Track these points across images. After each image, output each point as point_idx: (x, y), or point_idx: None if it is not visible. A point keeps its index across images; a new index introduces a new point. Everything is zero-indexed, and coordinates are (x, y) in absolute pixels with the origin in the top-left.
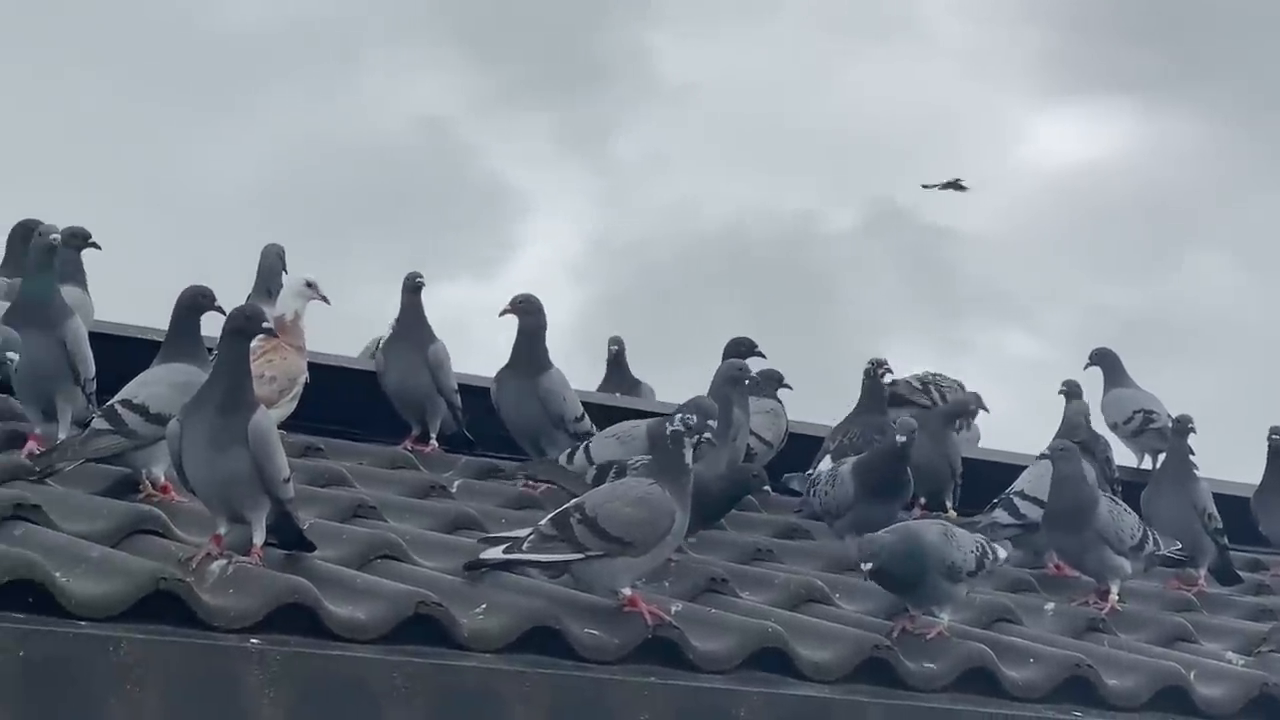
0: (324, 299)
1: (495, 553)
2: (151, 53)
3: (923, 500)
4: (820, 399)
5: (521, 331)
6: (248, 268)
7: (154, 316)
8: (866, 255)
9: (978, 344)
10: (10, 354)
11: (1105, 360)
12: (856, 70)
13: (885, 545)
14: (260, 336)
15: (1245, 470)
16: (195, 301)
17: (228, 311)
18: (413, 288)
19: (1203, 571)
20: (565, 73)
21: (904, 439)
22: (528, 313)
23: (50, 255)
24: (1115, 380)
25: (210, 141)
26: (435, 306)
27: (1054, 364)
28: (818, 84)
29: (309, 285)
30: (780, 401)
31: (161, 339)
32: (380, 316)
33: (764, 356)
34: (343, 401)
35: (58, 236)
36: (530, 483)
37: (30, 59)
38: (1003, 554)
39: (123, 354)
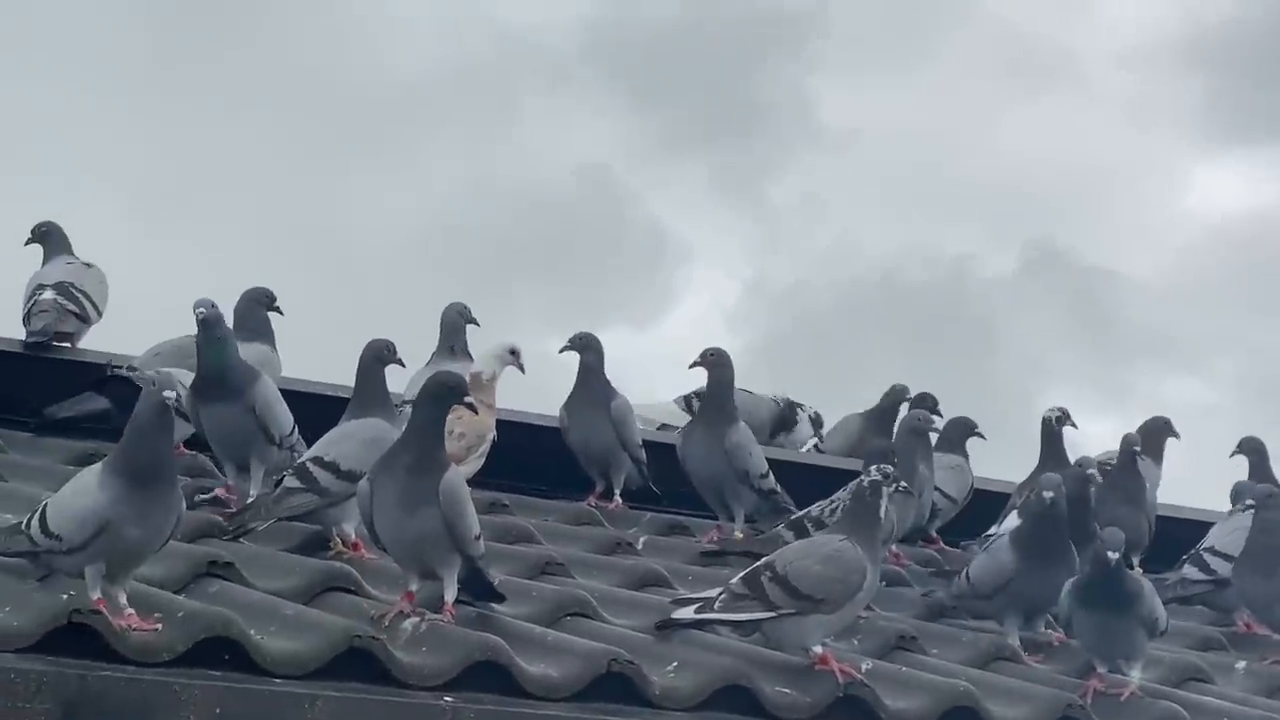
0: (521, 368)
1: (687, 612)
2: (313, 101)
3: None
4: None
5: (711, 384)
6: (412, 314)
7: (324, 367)
8: (1025, 298)
9: (1140, 388)
10: (168, 393)
11: (1252, 449)
12: (1015, 118)
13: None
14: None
15: None
16: (380, 355)
17: (404, 364)
18: (585, 347)
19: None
20: (723, 118)
21: (1050, 495)
22: (718, 365)
23: (213, 329)
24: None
25: (374, 189)
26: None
27: (1221, 410)
28: (977, 131)
29: (513, 353)
30: (966, 456)
31: (337, 393)
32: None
33: (941, 415)
34: (527, 458)
35: (202, 311)
36: None
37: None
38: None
39: (299, 409)
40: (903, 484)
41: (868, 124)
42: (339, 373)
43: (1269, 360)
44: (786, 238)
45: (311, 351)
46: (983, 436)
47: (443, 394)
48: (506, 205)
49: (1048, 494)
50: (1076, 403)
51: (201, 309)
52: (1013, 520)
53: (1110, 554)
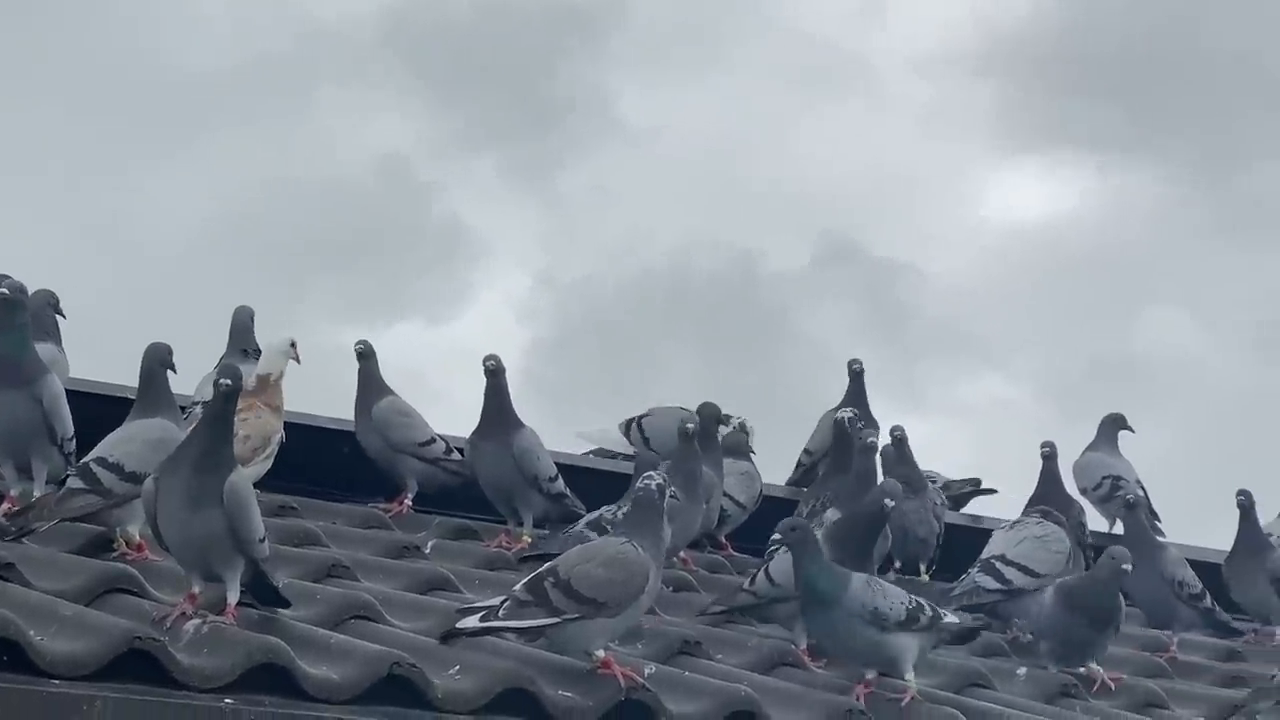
0: (297, 359)
1: (471, 621)
2: (104, 90)
3: (898, 565)
4: (774, 435)
5: (489, 392)
6: (205, 310)
7: (110, 366)
8: (817, 292)
9: (937, 384)
10: None
11: (1104, 423)
12: (812, 122)
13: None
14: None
15: (1201, 526)
16: (163, 357)
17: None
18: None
19: (1176, 638)
20: (522, 112)
21: (891, 503)
22: (494, 373)
23: (14, 312)
24: (1094, 444)
25: (164, 180)
26: (390, 350)
27: (1018, 405)
28: (773, 134)
29: (292, 345)
30: (753, 463)
31: (122, 394)
32: (336, 356)
33: (728, 426)
34: (317, 460)
35: (3, 291)
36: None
37: None
38: (950, 618)
39: (81, 409)
40: (673, 491)
41: (665, 122)
42: (125, 373)
43: (1062, 358)
44: (579, 232)
45: (98, 350)
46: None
47: (226, 391)
48: (303, 199)
49: (889, 502)
50: (872, 398)
51: (4, 290)
52: None
53: (887, 502)
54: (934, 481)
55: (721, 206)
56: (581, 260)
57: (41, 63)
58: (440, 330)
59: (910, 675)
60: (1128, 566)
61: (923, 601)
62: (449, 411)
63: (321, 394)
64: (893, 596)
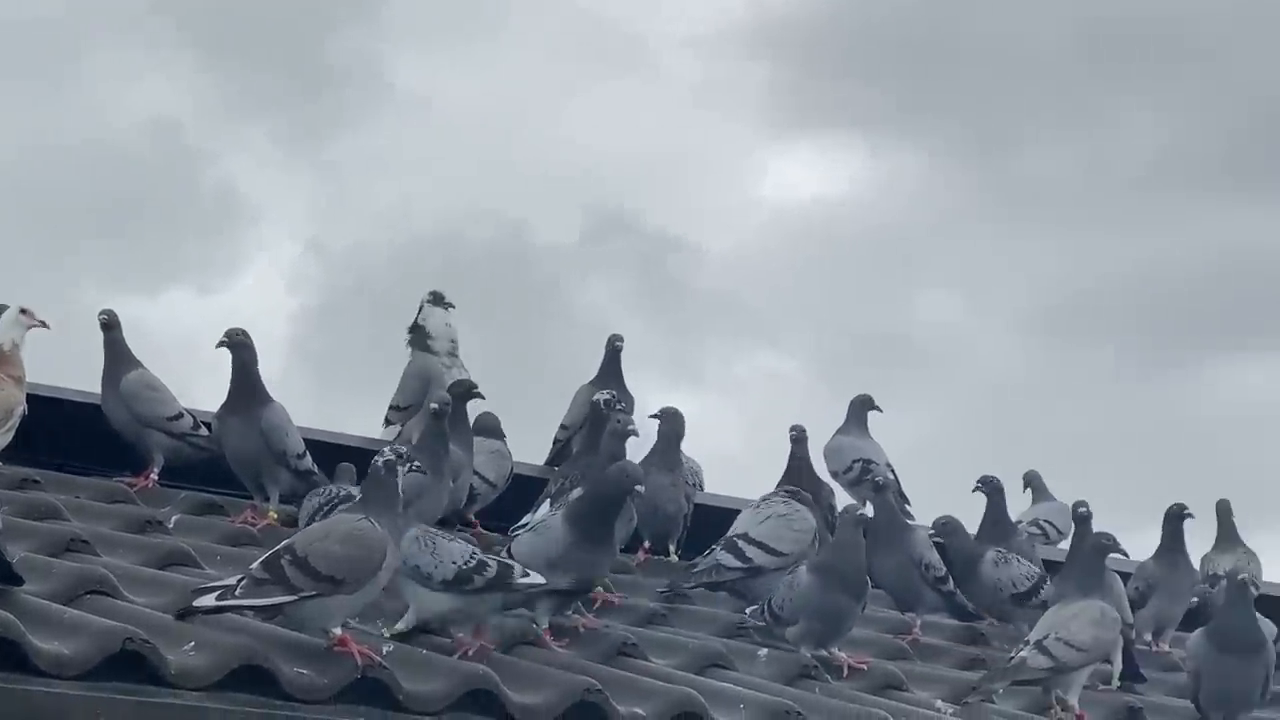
0: (43, 324)
1: (208, 599)
2: None
3: (647, 544)
4: (547, 405)
5: (236, 367)
6: None
7: None
8: (590, 265)
9: (711, 358)
10: None
11: (853, 405)
12: (586, 98)
13: None
14: None
15: (958, 505)
16: None
17: None
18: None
19: (919, 620)
20: (295, 78)
21: (641, 489)
22: (242, 347)
23: None
24: (845, 428)
25: None
26: (161, 319)
27: (792, 379)
28: (547, 109)
29: (24, 313)
30: (504, 440)
31: None
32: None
33: (483, 398)
34: (63, 433)
35: None
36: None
37: None
38: (535, 579)
39: None
40: (416, 464)
41: (438, 92)
42: None
43: (835, 336)
44: (350, 200)
45: None
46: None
47: None
48: (72, 163)
49: (639, 487)
50: (647, 372)
51: None
52: (546, 508)
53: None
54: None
55: (494, 177)
56: (352, 228)
57: None
58: (212, 299)
59: (463, 634)
60: (864, 513)
61: (489, 560)
62: (222, 383)
63: (91, 362)
64: (444, 554)
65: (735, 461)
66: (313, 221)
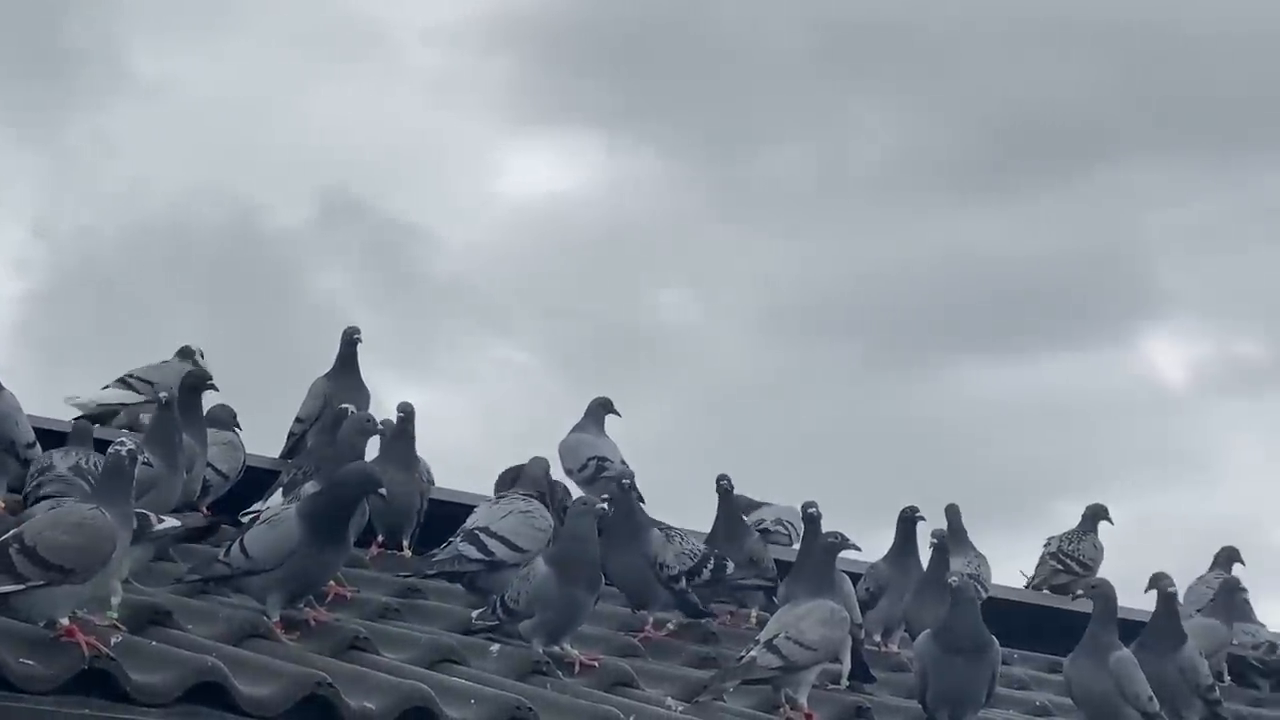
0: None
1: None
2: None
3: (380, 539)
4: (279, 392)
5: None
6: None
7: None
8: (324, 250)
9: (446, 348)
10: None
11: (592, 406)
12: (323, 87)
13: None
14: None
15: (689, 506)
16: None
17: None
18: None
19: (651, 618)
20: (27, 59)
21: (383, 490)
22: None
23: None
24: (581, 425)
25: None
26: None
27: (528, 372)
28: (283, 97)
29: None
30: (237, 432)
31: None
32: None
33: (216, 389)
34: None
35: None
36: None
37: None
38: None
39: None
40: (145, 457)
41: (174, 77)
42: None
43: (573, 330)
44: (79, 183)
45: None
46: (240, 428)
47: None
48: None
49: (383, 491)
50: (377, 360)
51: None
52: (278, 497)
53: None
54: None
55: (229, 162)
56: (81, 212)
57: None
58: None
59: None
60: (602, 506)
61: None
62: None
63: None
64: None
65: (467, 454)
66: (40, 204)
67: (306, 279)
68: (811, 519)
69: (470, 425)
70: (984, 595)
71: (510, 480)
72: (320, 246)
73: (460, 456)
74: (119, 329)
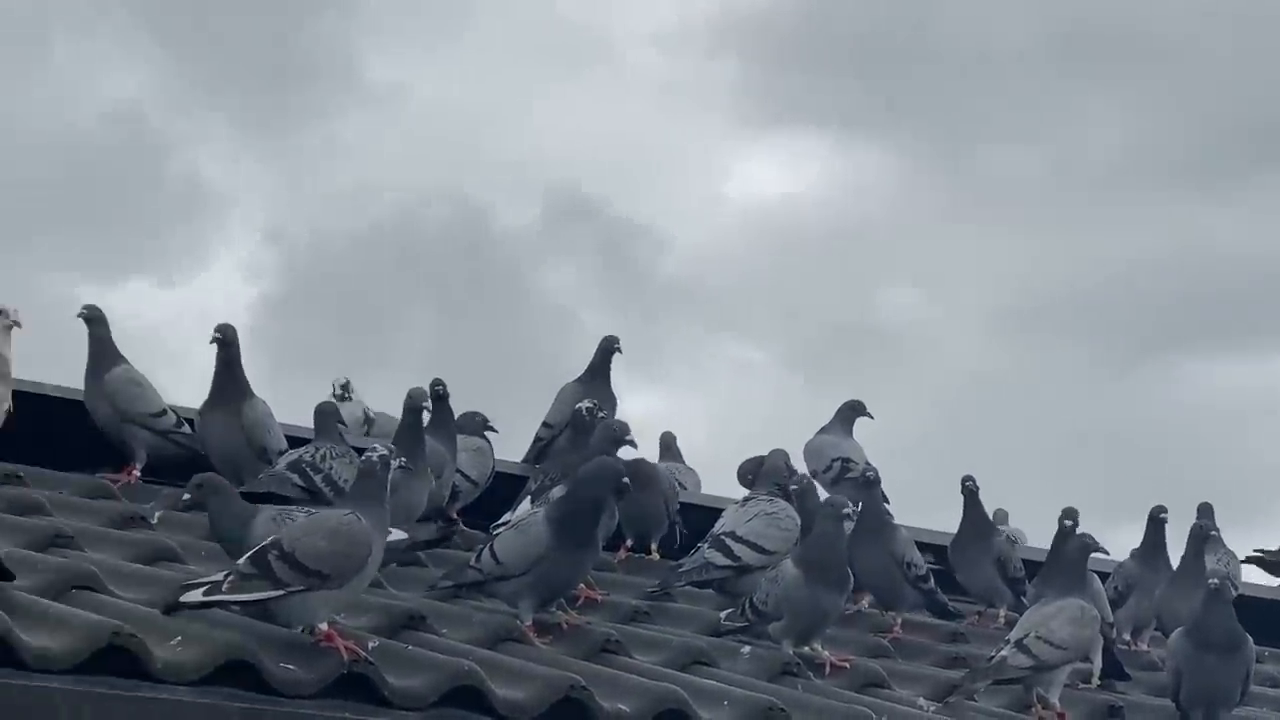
0: (17, 324)
1: (195, 596)
2: None
3: (629, 542)
4: (511, 394)
5: (220, 362)
6: None
7: None
8: (551, 250)
9: (678, 345)
10: None
11: (842, 409)
12: (552, 92)
13: None
14: None
15: (930, 504)
16: None
17: None
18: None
19: (899, 618)
20: (264, 69)
21: (627, 480)
22: (227, 344)
23: None
24: (828, 428)
25: None
26: (121, 308)
27: (762, 369)
28: (512, 103)
29: (2, 313)
30: (488, 440)
31: None
32: (66, 312)
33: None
34: (45, 429)
35: None
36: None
37: None
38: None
39: None
40: (403, 461)
41: (407, 86)
42: None
43: (805, 329)
44: (310, 188)
45: None
46: (495, 430)
47: None
48: (34, 151)
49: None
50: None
51: None
52: (526, 505)
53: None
54: None
55: (456, 166)
56: (312, 217)
57: None
58: (173, 289)
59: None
60: (849, 509)
61: None
62: (184, 374)
63: (55, 349)
64: None
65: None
66: (273, 210)
67: (534, 279)
68: (971, 493)
69: (702, 426)
70: (1236, 593)
71: (752, 471)
72: (548, 248)
73: (693, 457)
74: (351, 331)
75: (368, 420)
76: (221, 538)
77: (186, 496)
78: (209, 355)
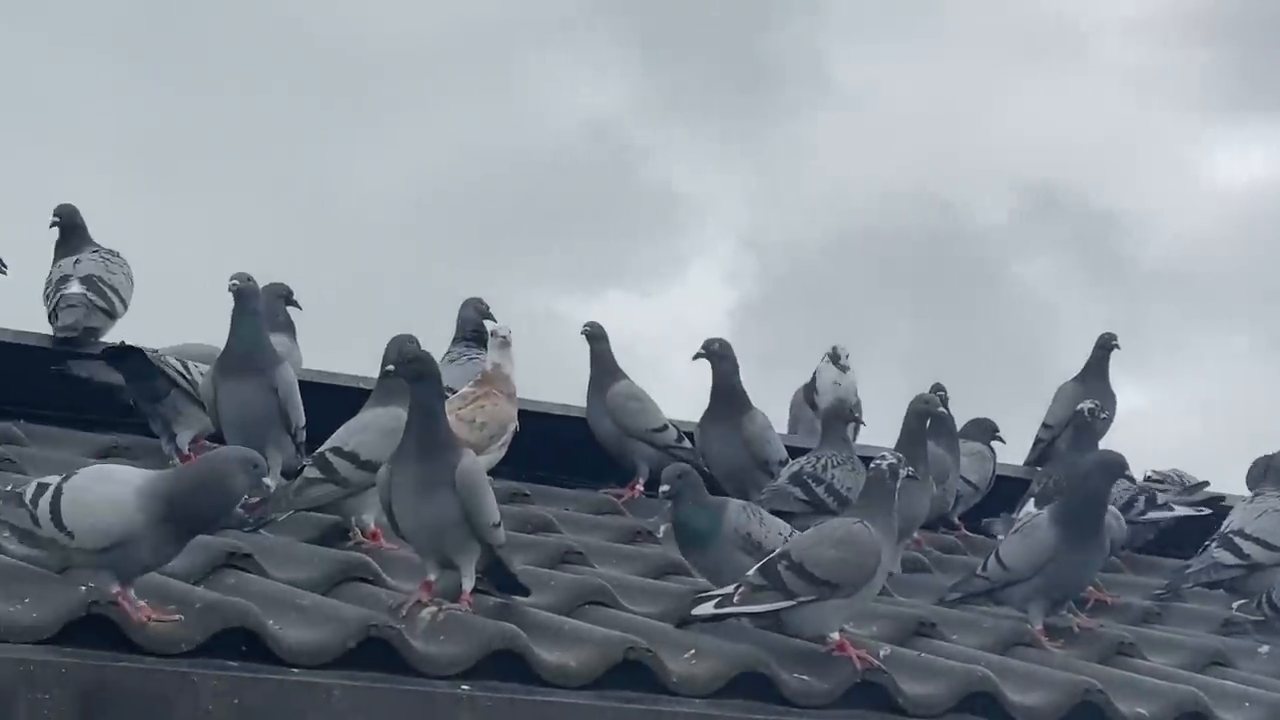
0: (507, 341)
1: (706, 608)
2: (300, 67)
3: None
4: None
5: (716, 376)
6: (415, 281)
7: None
8: (1027, 244)
9: (1159, 333)
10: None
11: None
12: (1021, 86)
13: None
14: (471, 383)
15: None
16: (404, 347)
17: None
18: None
19: None
20: (731, 74)
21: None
22: (721, 357)
23: (248, 304)
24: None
25: (367, 157)
26: (600, 321)
27: (1246, 356)
28: (980, 97)
29: (494, 335)
30: (987, 443)
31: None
32: (545, 325)
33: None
34: (548, 447)
35: (236, 284)
36: None
37: (179, 76)
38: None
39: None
40: (909, 470)
41: (874, 85)
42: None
43: None
44: (783, 192)
45: (319, 337)
46: (1002, 440)
47: (424, 372)
48: (508, 165)
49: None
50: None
51: (236, 281)
52: (1030, 507)
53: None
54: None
55: (927, 165)
56: (786, 221)
57: (229, 39)
58: (651, 299)
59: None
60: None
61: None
62: (665, 385)
63: (536, 361)
64: (770, 525)
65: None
66: (747, 216)
67: (1010, 274)
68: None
69: (1187, 419)
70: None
71: (1261, 471)
72: (1023, 242)
73: (1179, 456)
74: (829, 334)
75: None
76: (690, 527)
77: (665, 488)
78: (689, 366)
